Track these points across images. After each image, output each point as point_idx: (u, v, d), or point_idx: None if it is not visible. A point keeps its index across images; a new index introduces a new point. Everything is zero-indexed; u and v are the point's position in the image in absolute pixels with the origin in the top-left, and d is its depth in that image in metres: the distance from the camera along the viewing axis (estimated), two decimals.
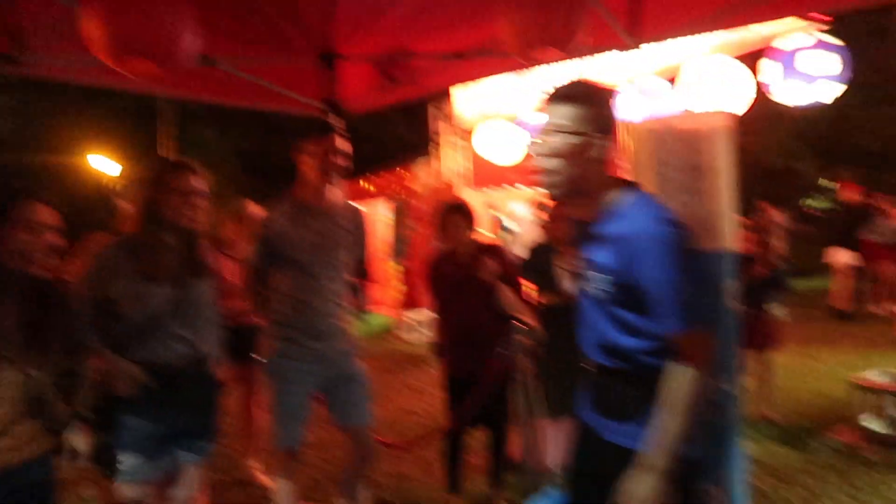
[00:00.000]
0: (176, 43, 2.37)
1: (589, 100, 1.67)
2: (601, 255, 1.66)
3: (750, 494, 2.71)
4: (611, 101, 1.70)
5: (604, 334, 1.69)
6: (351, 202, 3.08)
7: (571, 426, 1.93)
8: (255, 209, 3.99)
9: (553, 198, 1.72)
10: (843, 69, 5.11)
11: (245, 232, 3.87)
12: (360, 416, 2.99)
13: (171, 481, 2.45)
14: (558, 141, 1.64)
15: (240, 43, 3.27)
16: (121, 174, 14.91)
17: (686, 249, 1.59)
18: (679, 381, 1.56)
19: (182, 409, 2.38)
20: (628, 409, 1.67)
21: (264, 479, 3.88)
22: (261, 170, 19.92)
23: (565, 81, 1.70)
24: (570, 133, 1.62)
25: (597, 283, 1.67)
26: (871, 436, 4.14)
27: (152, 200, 2.35)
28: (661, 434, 1.57)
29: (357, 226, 3.00)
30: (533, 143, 1.69)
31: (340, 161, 2.83)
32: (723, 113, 2.41)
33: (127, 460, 2.28)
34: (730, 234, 2.35)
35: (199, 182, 2.41)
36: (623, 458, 1.63)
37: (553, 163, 1.65)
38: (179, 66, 2.40)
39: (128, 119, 17.10)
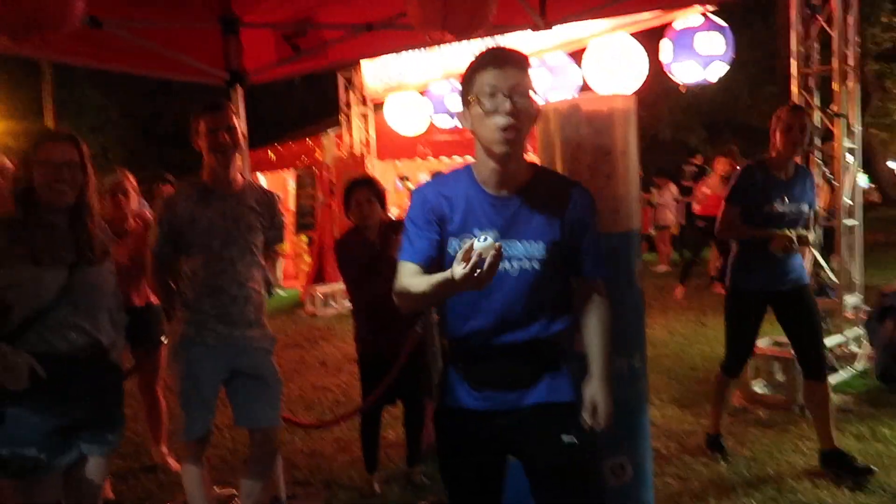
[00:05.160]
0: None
1: (528, 64, 1.74)
2: (533, 225, 1.73)
3: (653, 459, 2.87)
4: None
5: (522, 309, 1.74)
6: (261, 184, 2.95)
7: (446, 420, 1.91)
8: (134, 182, 3.69)
9: (505, 160, 1.72)
10: (728, 49, 5.40)
11: (125, 206, 3.59)
12: (263, 418, 2.82)
13: (74, 475, 2.31)
14: (523, 102, 1.67)
15: (134, 5, 3.05)
16: None
17: None
18: (608, 313, 1.85)
19: (82, 400, 2.24)
20: (539, 372, 1.79)
21: (173, 463, 3.76)
22: (156, 135, 18.85)
23: (492, 47, 1.74)
24: (529, 94, 1.68)
25: (529, 254, 1.72)
26: (760, 398, 4.46)
27: (23, 177, 2.18)
28: (605, 353, 1.82)
29: (270, 209, 2.86)
30: (494, 101, 1.66)
31: (234, 139, 2.68)
32: (628, 95, 2.47)
33: (23, 456, 2.13)
34: (636, 215, 2.44)
35: (73, 152, 2.22)
36: (547, 411, 1.79)
37: (517, 122, 1.66)
38: (64, 29, 2.23)
39: (10, 79, 15.79)
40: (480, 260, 1.47)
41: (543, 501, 1.81)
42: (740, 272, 3.52)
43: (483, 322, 1.76)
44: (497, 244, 1.49)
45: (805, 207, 3.42)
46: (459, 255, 1.50)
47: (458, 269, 1.49)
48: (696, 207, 9.02)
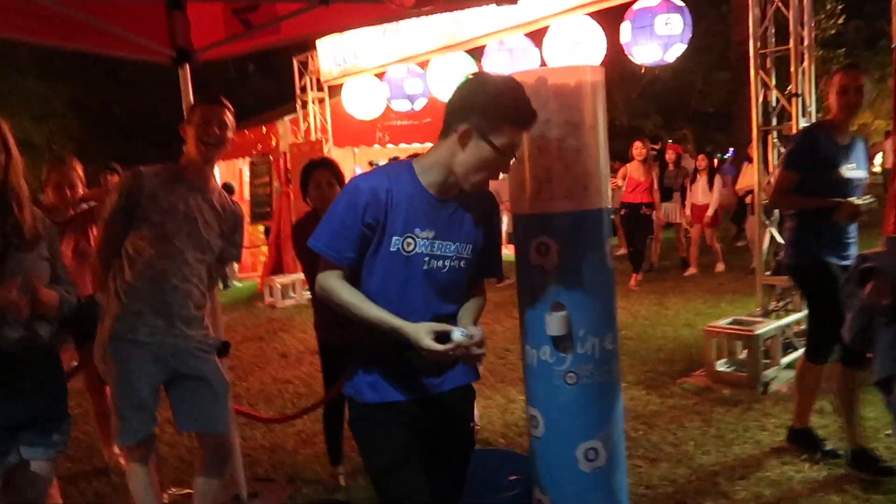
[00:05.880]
0: None
1: None
2: (465, 228, 1.89)
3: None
4: None
5: (445, 301, 1.87)
6: (231, 198, 2.88)
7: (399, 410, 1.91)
8: (80, 171, 3.63)
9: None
10: (686, 30, 5.40)
11: (68, 197, 3.55)
12: (211, 421, 2.67)
13: (15, 480, 2.14)
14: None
15: None
16: None
17: None
18: (483, 303, 2.04)
19: (19, 399, 2.07)
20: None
21: (126, 464, 3.57)
22: (103, 126, 18.27)
23: (528, 105, 1.85)
24: None
25: (459, 254, 1.87)
26: (723, 377, 4.48)
27: None
28: (477, 316, 1.98)
29: (233, 220, 2.78)
30: (508, 156, 1.80)
31: (223, 135, 2.62)
32: (597, 66, 2.38)
33: None
34: (607, 191, 2.37)
35: None
36: (465, 393, 2.03)
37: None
38: None
39: None
40: (457, 348, 1.72)
41: (447, 479, 1.98)
42: (806, 244, 3.16)
43: (415, 317, 1.80)
44: (475, 340, 1.75)
45: (866, 174, 3.17)
46: (431, 330, 1.72)
47: (430, 344, 1.71)
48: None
